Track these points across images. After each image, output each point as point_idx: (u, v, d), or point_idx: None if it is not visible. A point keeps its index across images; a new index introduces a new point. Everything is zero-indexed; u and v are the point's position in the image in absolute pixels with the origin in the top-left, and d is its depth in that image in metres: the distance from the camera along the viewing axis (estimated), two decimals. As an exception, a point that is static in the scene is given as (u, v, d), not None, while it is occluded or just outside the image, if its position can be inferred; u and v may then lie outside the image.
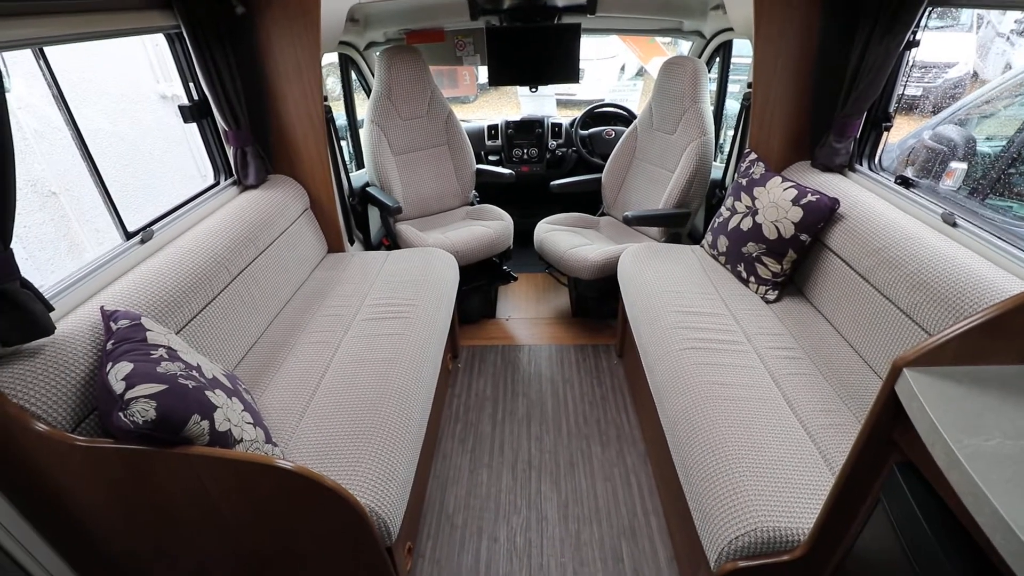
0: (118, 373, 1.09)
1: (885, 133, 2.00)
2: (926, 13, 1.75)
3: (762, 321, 1.86)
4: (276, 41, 2.07)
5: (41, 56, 1.42)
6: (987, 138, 3.06)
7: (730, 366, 1.61)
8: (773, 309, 1.94)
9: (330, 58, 2.96)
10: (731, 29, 2.65)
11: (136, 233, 1.68)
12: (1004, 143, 2.85)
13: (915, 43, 1.83)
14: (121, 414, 1.04)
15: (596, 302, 2.92)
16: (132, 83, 3.46)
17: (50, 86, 1.46)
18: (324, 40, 2.14)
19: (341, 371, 1.65)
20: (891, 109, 1.97)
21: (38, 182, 2.67)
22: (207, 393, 1.18)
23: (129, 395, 1.05)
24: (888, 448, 0.90)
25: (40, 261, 2.72)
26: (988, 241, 1.45)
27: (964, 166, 2.90)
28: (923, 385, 0.79)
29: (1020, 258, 1.36)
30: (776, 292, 1.99)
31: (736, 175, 2.22)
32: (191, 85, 2.02)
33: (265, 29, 2.05)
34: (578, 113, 3.55)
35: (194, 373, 1.23)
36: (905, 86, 1.96)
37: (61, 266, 2.79)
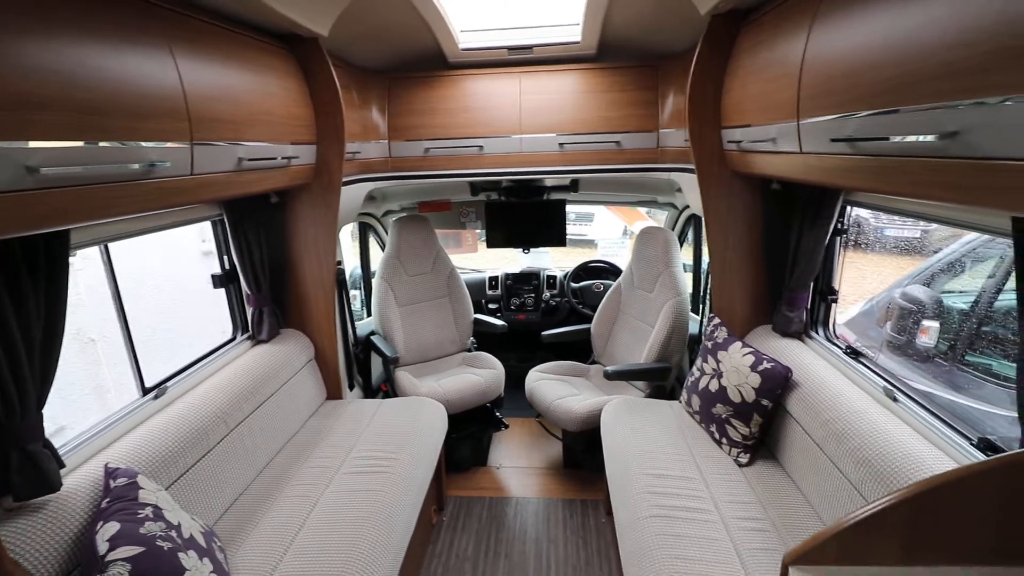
0: (105, 534, 1.21)
1: (833, 305, 2.19)
2: (847, 209, 2.05)
3: (732, 487, 1.89)
4: (300, 221, 2.47)
5: (105, 251, 1.76)
6: (960, 291, 3.24)
7: (695, 538, 1.63)
8: (745, 473, 1.97)
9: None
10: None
11: (152, 389, 1.88)
12: (972, 300, 3.02)
13: (844, 231, 2.11)
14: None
15: (584, 454, 2.94)
16: (181, 239, 3.99)
17: (109, 281, 1.79)
18: (342, 216, 2.54)
19: (314, 531, 1.71)
20: (834, 283, 2.18)
21: (81, 330, 3.01)
22: (179, 555, 1.27)
23: (109, 557, 1.16)
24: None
25: (69, 399, 2.95)
26: (923, 418, 1.54)
27: (936, 324, 3.05)
28: (808, 583, 0.86)
29: (949, 437, 1.44)
30: (748, 455, 2.04)
31: (703, 338, 2.40)
32: (225, 258, 2.39)
33: (293, 212, 2.46)
34: (582, 258, 3.91)
35: (172, 533, 1.33)
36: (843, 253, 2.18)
37: (84, 405, 3.01)
